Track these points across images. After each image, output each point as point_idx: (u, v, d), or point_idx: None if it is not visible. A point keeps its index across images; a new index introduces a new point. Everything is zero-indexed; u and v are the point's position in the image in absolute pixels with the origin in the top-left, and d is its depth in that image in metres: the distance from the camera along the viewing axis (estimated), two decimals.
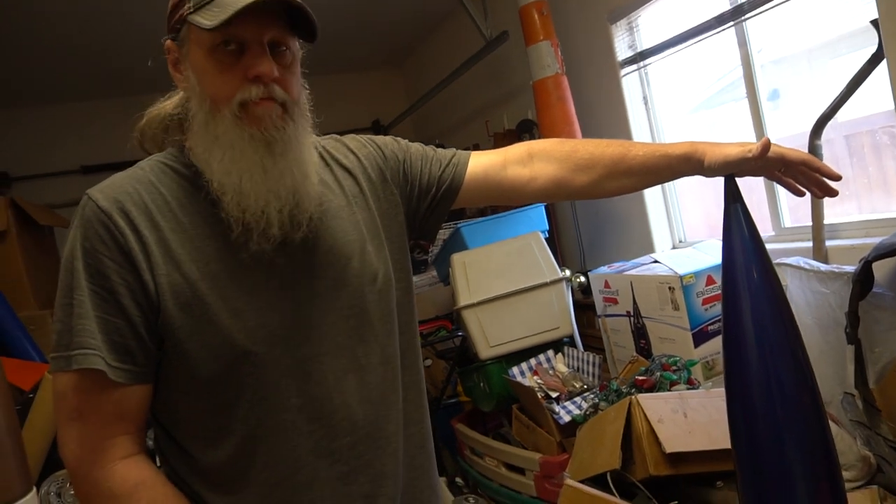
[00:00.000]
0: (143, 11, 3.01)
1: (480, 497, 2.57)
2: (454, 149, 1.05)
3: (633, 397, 1.67)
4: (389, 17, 4.22)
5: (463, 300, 2.49)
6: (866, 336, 1.71)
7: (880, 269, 1.74)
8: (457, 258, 2.56)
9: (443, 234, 2.92)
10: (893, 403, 1.60)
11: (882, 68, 1.76)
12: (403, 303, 0.97)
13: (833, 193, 0.93)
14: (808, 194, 0.96)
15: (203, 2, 0.79)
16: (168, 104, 0.91)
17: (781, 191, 2.26)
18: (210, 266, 0.82)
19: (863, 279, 1.65)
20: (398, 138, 1.05)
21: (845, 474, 1.53)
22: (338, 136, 1.01)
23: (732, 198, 0.94)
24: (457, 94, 4.32)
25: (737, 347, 0.94)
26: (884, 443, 1.52)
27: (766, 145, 0.87)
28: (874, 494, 1.39)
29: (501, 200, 1.05)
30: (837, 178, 0.91)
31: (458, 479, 2.79)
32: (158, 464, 0.89)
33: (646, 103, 2.88)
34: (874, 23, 1.74)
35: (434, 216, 1.02)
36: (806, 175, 0.93)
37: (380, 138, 1.03)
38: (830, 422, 1.61)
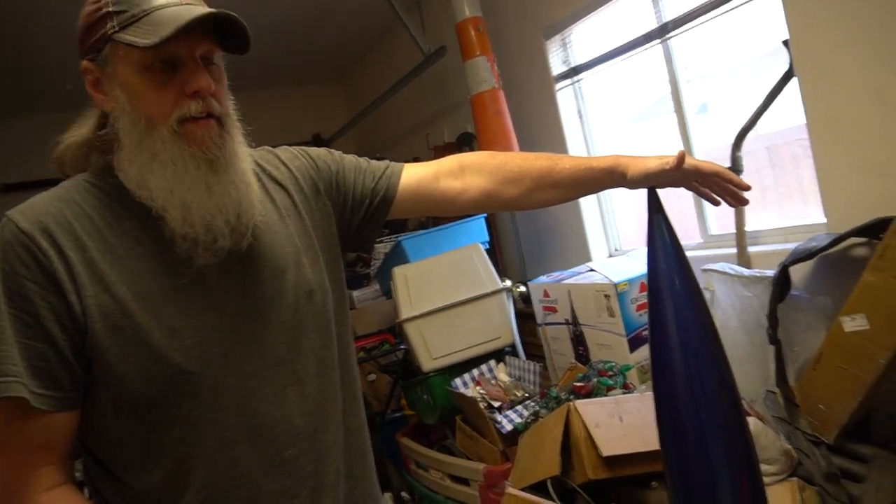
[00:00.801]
0: (61, 29, 2.90)
1: None
2: (388, 161, 1.06)
3: (571, 404, 1.71)
4: (330, 32, 4.22)
5: (405, 313, 2.49)
6: (786, 336, 1.81)
7: (797, 272, 1.85)
8: (398, 271, 2.57)
9: (384, 247, 2.92)
10: (811, 400, 1.70)
11: (794, 85, 1.87)
12: (339, 313, 0.97)
13: (744, 202, 0.99)
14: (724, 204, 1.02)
15: (129, 20, 0.78)
16: (84, 129, 0.88)
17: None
18: (142, 286, 0.80)
19: (781, 282, 1.74)
20: (332, 150, 1.06)
21: (769, 468, 1.60)
22: (269, 148, 1.01)
23: (654, 208, 0.99)
24: (397, 107, 4.34)
25: (661, 351, 0.98)
26: (802, 437, 1.61)
27: (682, 157, 0.92)
28: (794, 486, 1.47)
29: (434, 212, 1.06)
30: (747, 188, 0.97)
31: (403, 494, 2.78)
32: (88, 494, 0.85)
33: (580, 117, 2.96)
34: (785, 43, 1.86)
35: (368, 228, 1.03)
36: (720, 185, 0.99)
37: (313, 150, 1.03)
38: (755, 418, 1.70)
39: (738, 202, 0.99)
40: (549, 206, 1.05)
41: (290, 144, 1.05)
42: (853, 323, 1.58)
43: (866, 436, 1.74)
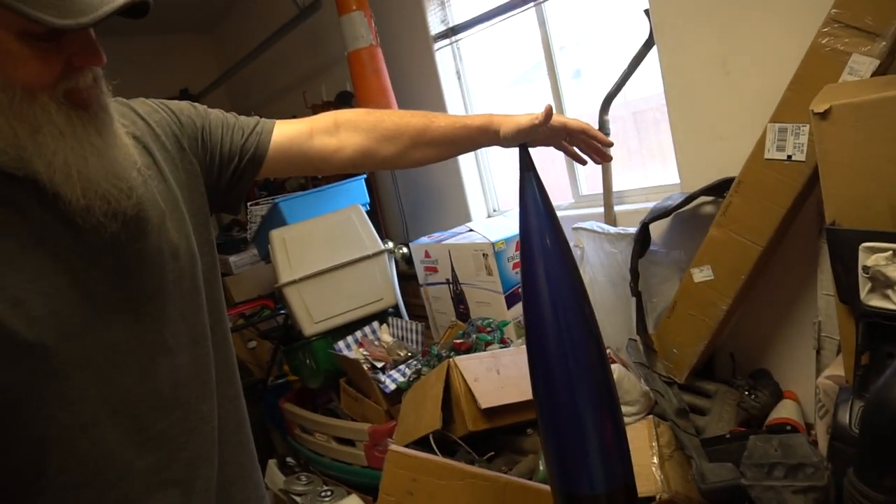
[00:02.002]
0: None
1: (313, 474, 2.56)
2: (258, 117, 1.01)
3: (451, 360, 1.77)
4: None
5: (284, 277, 2.43)
6: (646, 289, 1.96)
7: (656, 229, 2.00)
8: (276, 234, 2.49)
9: (261, 209, 2.81)
10: (667, 345, 1.87)
11: (654, 53, 1.99)
12: (209, 278, 0.92)
13: (608, 158, 1.05)
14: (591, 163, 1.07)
15: None
16: None
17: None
18: None
19: (641, 239, 1.88)
20: (195, 104, 0.98)
21: (630, 409, 1.75)
22: (123, 100, 0.91)
23: (526, 166, 1.02)
24: (273, 63, 4.13)
25: (534, 306, 1.03)
26: (658, 379, 1.77)
27: (549, 111, 0.96)
28: (650, 423, 1.62)
29: (308, 171, 1.03)
30: (609, 144, 1.03)
31: (289, 460, 2.75)
32: None
33: (459, 78, 2.98)
34: (646, 12, 1.97)
35: (238, 187, 0.98)
36: (586, 143, 1.04)
37: (174, 103, 0.96)
38: (619, 365, 1.84)
39: (603, 158, 1.05)
40: (425, 165, 1.05)
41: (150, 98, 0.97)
42: (701, 274, 1.75)
43: (711, 374, 1.94)
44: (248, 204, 2.95)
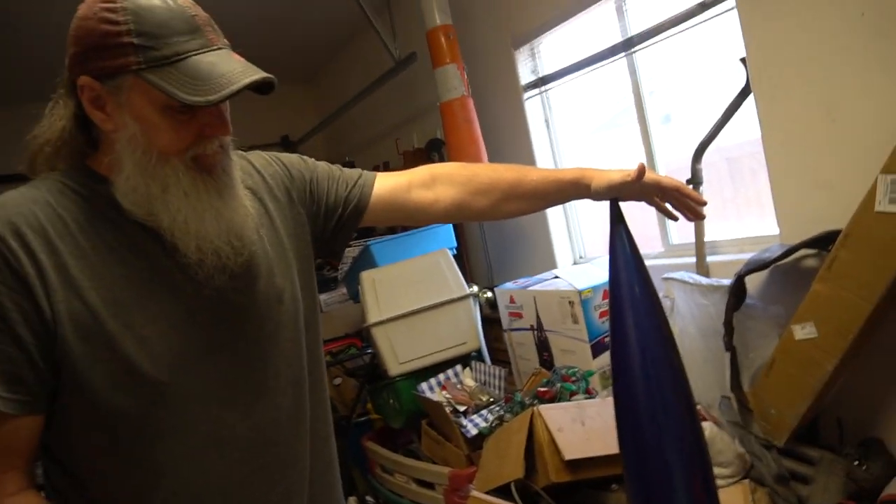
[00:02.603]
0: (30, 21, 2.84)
1: None
2: (360, 170, 1.08)
3: (535, 408, 1.75)
4: (300, 32, 4.20)
5: (372, 317, 2.50)
6: (741, 343, 1.88)
7: (752, 282, 1.92)
8: (366, 275, 2.57)
9: (352, 251, 2.92)
10: (763, 405, 1.77)
11: (751, 100, 1.95)
12: (310, 322, 0.98)
13: (701, 217, 1.04)
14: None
15: (158, 61, 0.76)
16: (57, 127, 0.85)
17: None
18: (114, 292, 0.79)
19: (736, 291, 1.81)
20: (305, 157, 1.07)
21: (724, 471, 1.66)
22: (242, 153, 1.01)
23: (616, 219, 1.02)
24: (367, 111, 4.34)
25: (622, 357, 1.02)
26: (755, 440, 1.67)
27: (642, 169, 0.97)
28: (746, 488, 1.53)
29: (406, 221, 1.09)
30: (703, 203, 1.02)
31: (368, 498, 2.78)
32: (46, 497, 0.85)
33: (547, 126, 3.02)
34: (742, 60, 1.94)
35: (341, 236, 1.04)
36: (678, 200, 1.03)
37: (286, 156, 1.04)
38: (711, 423, 1.76)
39: (695, 216, 1.04)
40: (518, 216, 1.08)
41: (258, 146, 1.06)
42: (803, 331, 1.66)
43: (814, 439, 1.81)
44: None
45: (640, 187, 0.99)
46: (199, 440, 0.83)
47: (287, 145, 5.31)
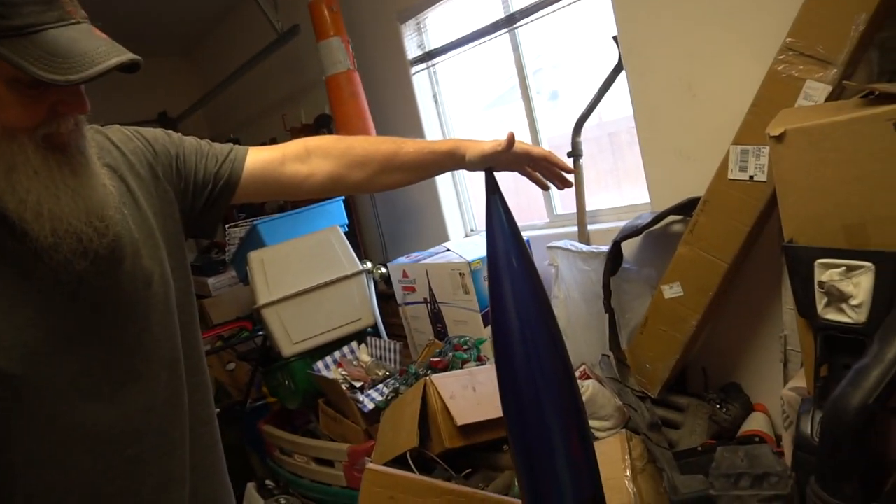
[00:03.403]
0: None
1: (292, 496, 2.55)
2: (231, 144, 1.04)
3: (427, 378, 1.79)
4: (176, 1, 3.94)
5: (262, 298, 2.44)
6: (619, 305, 2.00)
7: (628, 247, 2.05)
8: (254, 256, 2.50)
9: (239, 231, 2.82)
10: (639, 360, 1.90)
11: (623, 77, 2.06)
12: (184, 303, 0.94)
13: (569, 185, 1.10)
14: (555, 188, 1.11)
15: (9, 32, 0.68)
16: None
17: None
18: None
19: (613, 257, 1.92)
20: (170, 132, 1.01)
21: (605, 423, 1.79)
22: (97, 128, 0.94)
23: (491, 189, 1.05)
24: (252, 86, 4.16)
25: (500, 322, 1.06)
26: (631, 393, 1.80)
27: (511, 139, 1.00)
28: (623, 437, 1.65)
29: (280, 195, 1.06)
30: (571, 171, 1.07)
31: (268, 482, 2.73)
32: None
33: (436, 101, 3.03)
34: (615, 38, 2.03)
35: (212, 213, 1.00)
36: (548, 169, 1.08)
37: (148, 131, 0.98)
38: (594, 381, 1.87)
39: (564, 185, 1.09)
40: (395, 189, 1.08)
41: (132, 124, 0.99)
42: (671, 291, 1.79)
43: (683, 389, 1.98)
44: (227, 226, 2.96)
45: (512, 156, 1.02)
46: (60, 435, 0.78)
47: (165, 122, 4.99)
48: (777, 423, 1.80)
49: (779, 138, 1.28)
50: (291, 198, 1.05)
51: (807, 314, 1.30)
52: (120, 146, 0.92)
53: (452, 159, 1.05)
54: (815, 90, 1.48)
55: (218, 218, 1.01)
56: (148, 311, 0.86)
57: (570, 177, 1.08)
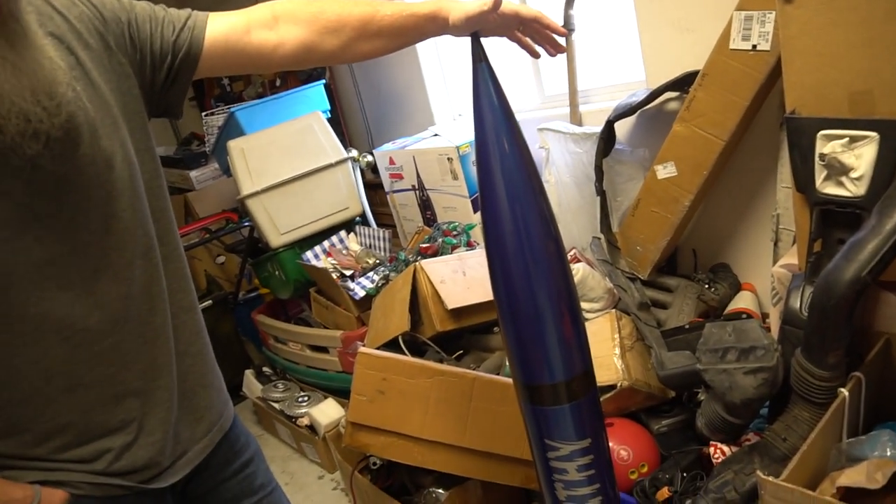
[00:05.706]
0: None
1: (289, 381, 2.62)
2: (189, 9, 0.93)
3: (417, 264, 1.77)
4: None
5: (245, 189, 2.38)
6: (610, 187, 1.96)
7: (621, 127, 1.97)
8: (234, 145, 2.41)
9: (217, 120, 2.70)
10: (630, 243, 1.89)
11: None
12: (152, 187, 0.88)
13: (561, 49, 1.01)
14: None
15: None
16: None
17: (544, 61, 2.41)
18: None
19: (606, 137, 1.86)
20: None
21: (595, 305, 1.80)
22: None
23: (478, 57, 0.97)
24: None
25: (489, 201, 1.01)
26: (622, 275, 1.80)
27: None
28: (612, 316, 1.66)
29: (248, 69, 0.97)
30: (563, 33, 0.98)
31: (265, 369, 2.80)
32: None
33: None
34: None
35: (174, 89, 0.91)
36: (539, 32, 0.99)
37: None
38: (584, 263, 1.86)
39: (557, 49, 1.01)
40: (373, 58, 1.00)
41: None
42: (664, 170, 1.75)
43: (673, 270, 1.99)
44: (203, 114, 2.83)
45: (500, 18, 0.93)
46: (30, 325, 0.75)
47: None
48: (765, 301, 1.82)
49: None
50: (260, 71, 0.96)
51: (804, 188, 1.27)
52: (63, 12, 0.82)
53: (434, 23, 0.95)
54: None
55: (182, 95, 0.93)
56: (113, 195, 0.81)
57: (563, 43, 0.99)
